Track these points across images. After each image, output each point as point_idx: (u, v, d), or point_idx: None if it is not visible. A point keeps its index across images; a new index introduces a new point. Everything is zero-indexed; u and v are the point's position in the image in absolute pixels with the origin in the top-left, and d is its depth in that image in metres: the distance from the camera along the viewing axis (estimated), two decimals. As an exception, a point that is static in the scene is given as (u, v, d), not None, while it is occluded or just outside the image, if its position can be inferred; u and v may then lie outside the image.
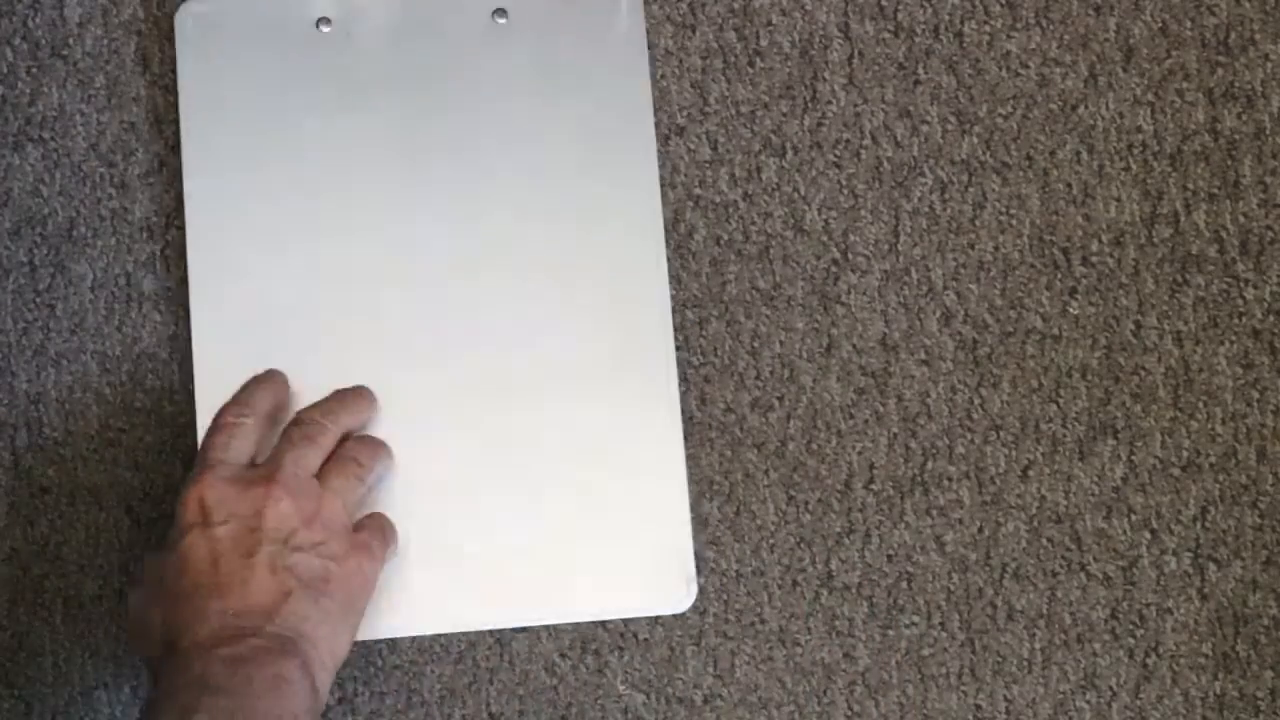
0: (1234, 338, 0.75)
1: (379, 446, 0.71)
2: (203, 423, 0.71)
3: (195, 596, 0.62)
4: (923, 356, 0.75)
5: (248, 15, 0.75)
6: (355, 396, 0.71)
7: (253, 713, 0.59)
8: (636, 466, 0.72)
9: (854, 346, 0.75)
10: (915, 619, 0.74)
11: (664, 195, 0.75)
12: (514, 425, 0.73)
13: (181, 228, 0.75)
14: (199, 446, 0.69)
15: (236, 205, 0.74)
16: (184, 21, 0.75)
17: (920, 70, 0.76)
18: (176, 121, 0.76)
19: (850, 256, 0.75)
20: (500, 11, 0.75)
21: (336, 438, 0.69)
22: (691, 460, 0.74)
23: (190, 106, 0.74)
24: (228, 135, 0.74)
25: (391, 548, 0.69)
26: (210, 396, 0.71)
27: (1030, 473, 0.74)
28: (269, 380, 0.71)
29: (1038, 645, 0.74)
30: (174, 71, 0.76)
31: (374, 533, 0.68)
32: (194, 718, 0.58)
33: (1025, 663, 0.73)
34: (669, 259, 0.75)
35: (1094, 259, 0.75)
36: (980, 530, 0.74)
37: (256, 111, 0.74)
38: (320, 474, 0.68)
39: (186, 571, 0.63)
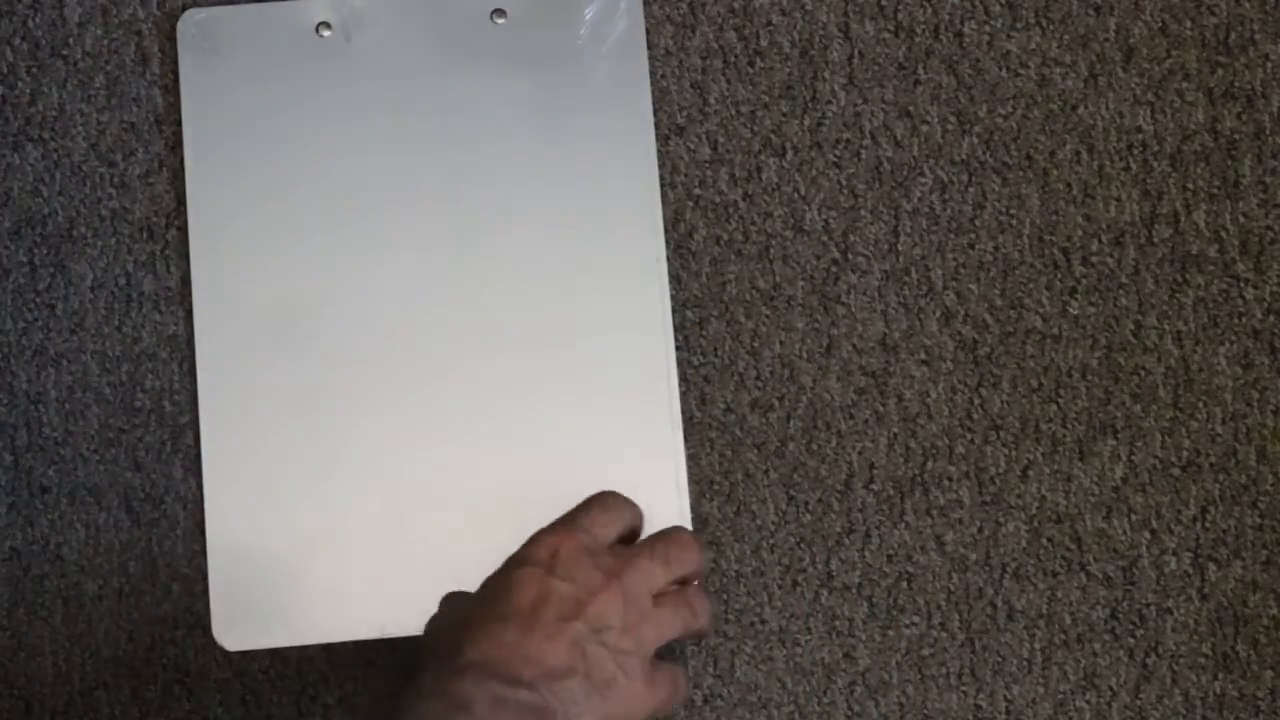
0: (1234, 338, 0.75)
1: (709, 611, 0.69)
2: (206, 423, 0.71)
3: (501, 621, 0.62)
4: (923, 356, 0.75)
5: (249, 22, 0.75)
6: (697, 549, 0.70)
7: None
8: (636, 468, 0.72)
9: (854, 346, 0.75)
10: (915, 619, 0.74)
11: (664, 195, 0.75)
12: (514, 426, 0.73)
13: (182, 229, 0.75)
14: (564, 517, 0.68)
15: (238, 208, 0.74)
16: (186, 28, 0.75)
17: (920, 70, 0.76)
18: (177, 122, 0.76)
19: (850, 256, 0.75)
20: (499, 12, 0.75)
21: (684, 573, 0.68)
22: (691, 460, 0.74)
23: (192, 111, 0.75)
24: (229, 140, 0.74)
25: (675, 703, 0.68)
26: (211, 397, 0.71)
27: (1030, 473, 0.74)
28: (636, 508, 0.71)
29: (1038, 645, 0.74)
30: (174, 73, 0.76)
31: (672, 676, 0.67)
32: None
33: (1025, 663, 0.73)
34: (669, 259, 0.75)
35: (1094, 259, 0.75)
36: (980, 530, 0.74)
37: (258, 116, 0.75)
38: (655, 598, 0.67)
39: (508, 598, 0.63)
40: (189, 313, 0.74)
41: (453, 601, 0.67)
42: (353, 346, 0.73)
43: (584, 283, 0.73)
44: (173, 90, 0.76)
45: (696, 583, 0.68)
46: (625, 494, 0.70)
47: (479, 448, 0.72)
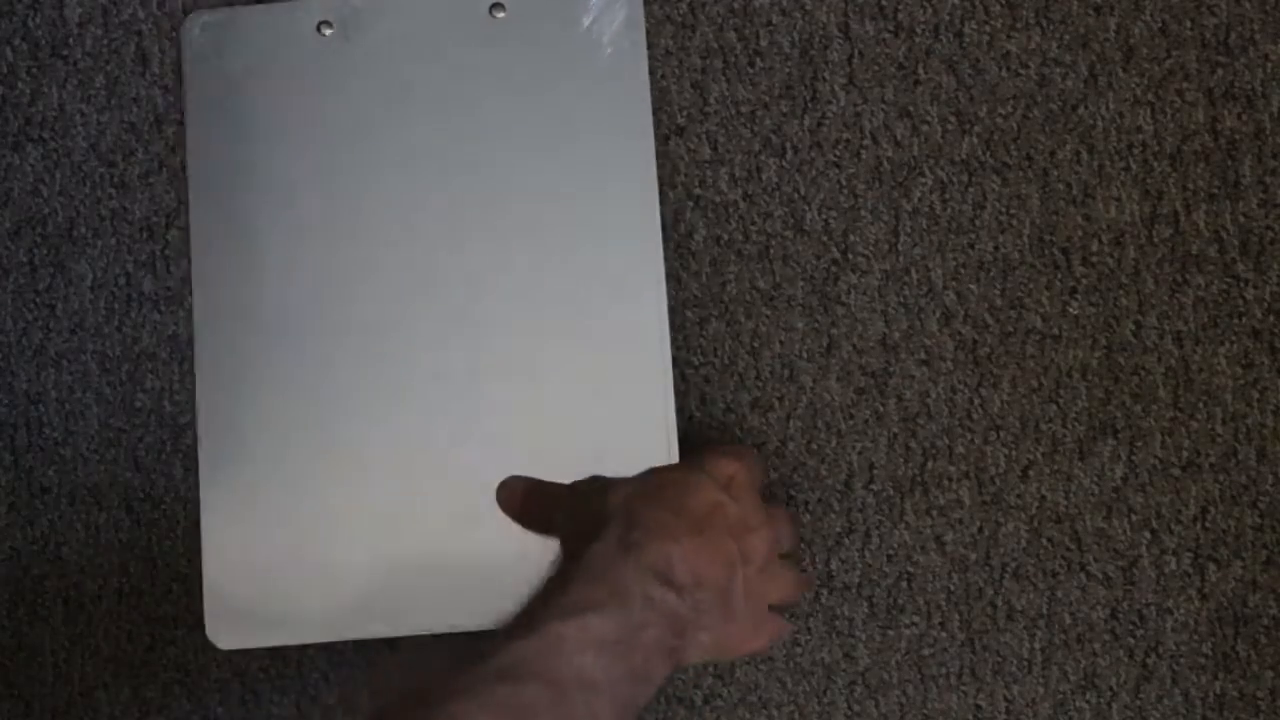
0: (1234, 338, 0.75)
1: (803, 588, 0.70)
2: (203, 422, 0.71)
3: (676, 516, 0.63)
4: (923, 356, 0.75)
5: (251, 23, 0.75)
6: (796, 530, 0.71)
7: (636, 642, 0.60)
8: (634, 469, 0.72)
9: (854, 346, 0.75)
10: (915, 619, 0.74)
11: (664, 195, 0.75)
12: (512, 426, 0.73)
13: (183, 228, 0.75)
14: (730, 448, 0.69)
15: (239, 208, 0.74)
16: (190, 31, 0.75)
17: (920, 70, 0.76)
18: (177, 122, 0.76)
19: (850, 256, 0.76)
20: (498, 6, 0.75)
21: (789, 549, 0.69)
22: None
23: (195, 113, 0.75)
24: (231, 140, 0.74)
25: (765, 650, 0.68)
26: (210, 395, 0.72)
27: (1030, 473, 0.74)
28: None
29: (1038, 645, 0.74)
30: (175, 73, 0.76)
31: (777, 626, 0.67)
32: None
33: (1025, 663, 0.73)
34: (669, 259, 0.75)
35: (1094, 259, 0.75)
36: (980, 530, 0.74)
37: (259, 117, 0.75)
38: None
39: (683, 500, 0.63)
40: (189, 313, 0.74)
41: (615, 483, 0.66)
42: (351, 345, 0.73)
43: (581, 282, 0.73)
44: (173, 90, 0.76)
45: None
46: None
47: (477, 448, 0.72)
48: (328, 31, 0.75)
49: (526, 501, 0.71)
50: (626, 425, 0.73)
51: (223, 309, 0.73)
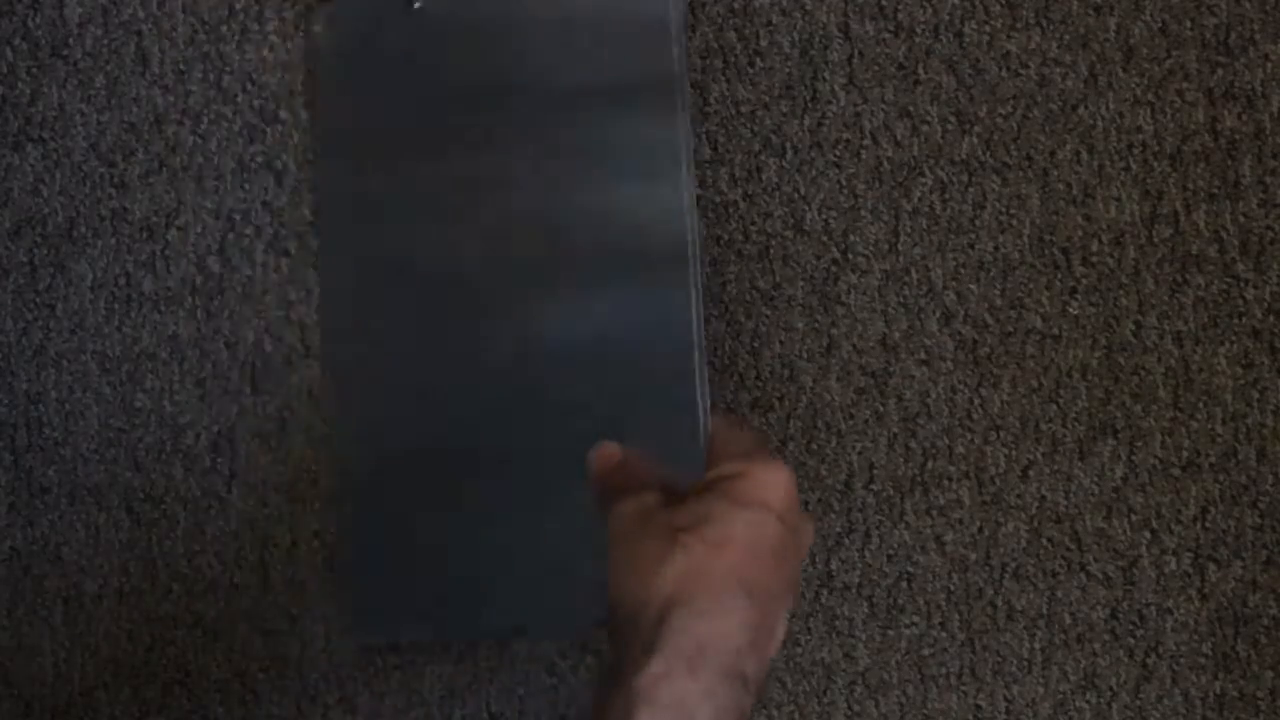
0: (1234, 338, 0.75)
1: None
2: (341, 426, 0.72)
3: (739, 599, 0.57)
4: (923, 356, 0.75)
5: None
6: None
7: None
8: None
9: (854, 346, 0.75)
10: (915, 619, 0.74)
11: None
12: (544, 444, 0.73)
13: (182, 228, 0.75)
14: (758, 451, 0.64)
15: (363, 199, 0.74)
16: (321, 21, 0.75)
17: (920, 70, 0.76)
18: (177, 121, 0.76)
19: (850, 256, 0.76)
20: None
21: None
22: (691, 460, 0.74)
23: (327, 96, 0.75)
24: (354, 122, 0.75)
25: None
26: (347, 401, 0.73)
27: (1030, 473, 0.74)
28: None
29: (1038, 645, 0.74)
30: (178, 70, 0.76)
31: (808, 521, 0.64)
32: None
33: (1025, 663, 0.73)
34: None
35: (1094, 259, 0.75)
36: (980, 530, 0.74)
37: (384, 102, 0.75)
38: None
39: (752, 556, 0.57)
40: (190, 313, 0.74)
41: (669, 555, 0.58)
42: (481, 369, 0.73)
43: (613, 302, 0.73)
44: (172, 90, 0.76)
45: None
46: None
47: (492, 455, 0.73)
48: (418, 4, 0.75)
49: (611, 477, 0.65)
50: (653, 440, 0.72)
51: (353, 316, 0.74)
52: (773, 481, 0.59)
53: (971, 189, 0.76)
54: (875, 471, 0.74)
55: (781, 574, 0.58)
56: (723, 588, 0.56)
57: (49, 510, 0.74)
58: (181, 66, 0.76)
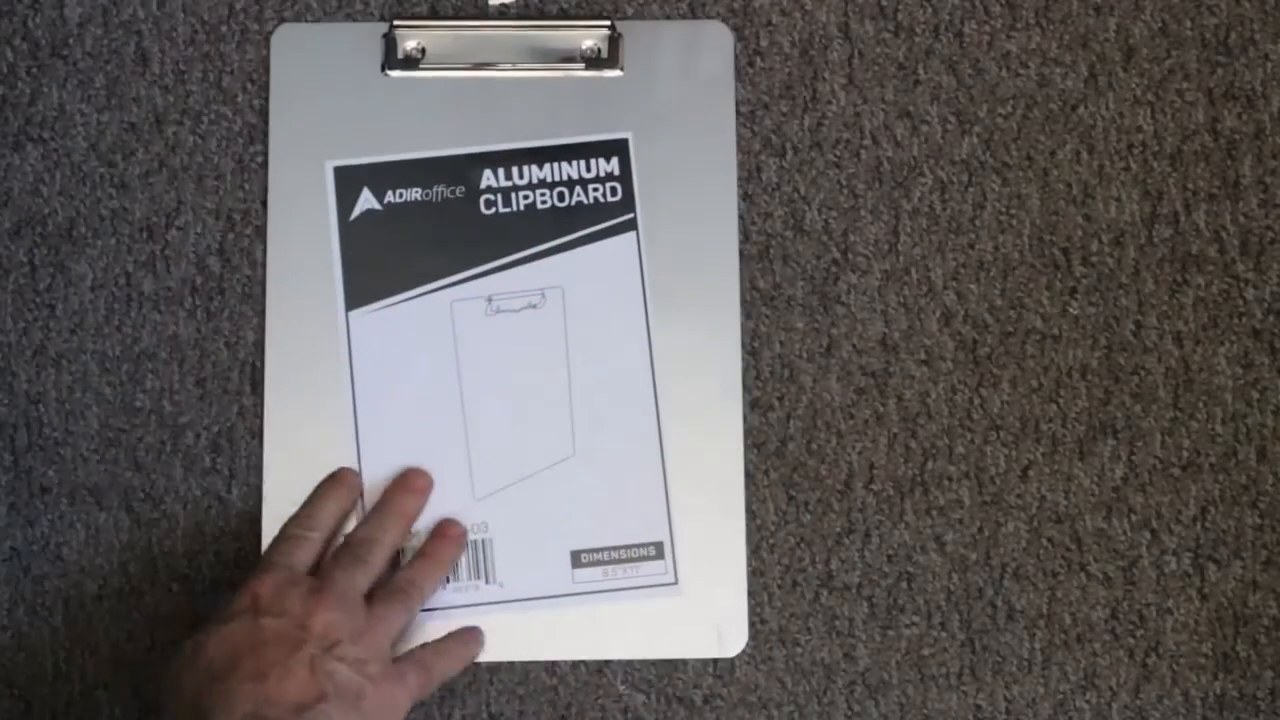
0: (1234, 338, 0.75)
1: (432, 573, 0.71)
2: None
3: (231, 678, 0.62)
4: (923, 356, 0.75)
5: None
6: (404, 496, 0.72)
7: None
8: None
9: (854, 346, 0.75)
10: (915, 619, 0.74)
11: (664, 195, 0.75)
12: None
13: (182, 228, 0.75)
14: (263, 551, 0.71)
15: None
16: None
17: (920, 70, 0.76)
18: (177, 121, 0.76)
19: (850, 256, 0.75)
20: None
21: (388, 554, 0.70)
22: (691, 460, 0.74)
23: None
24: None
25: (427, 689, 0.69)
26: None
27: (1030, 473, 0.74)
28: (335, 489, 0.72)
29: (1038, 645, 0.74)
30: (178, 70, 0.76)
31: (413, 667, 0.68)
32: None
33: (1025, 663, 0.73)
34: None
35: (1094, 259, 0.75)
36: (980, 530, 0.74)
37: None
38: (370, 596, 0.68)
39: (228, 652, 0.63)
40: (189, 313, 0.74)
41: (180, 660, 0.65)
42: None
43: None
44: (171, 89, 0.76)
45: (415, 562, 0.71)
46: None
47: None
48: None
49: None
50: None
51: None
52: (241, 591, 0.66)
53: (971, 189, 0.76)
54: (875, 471, 0.74)
55: (268, 658, 0.63)
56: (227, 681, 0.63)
57: (49, 510, 0.74)
58: (181, 66, 0.76)
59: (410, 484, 0.72)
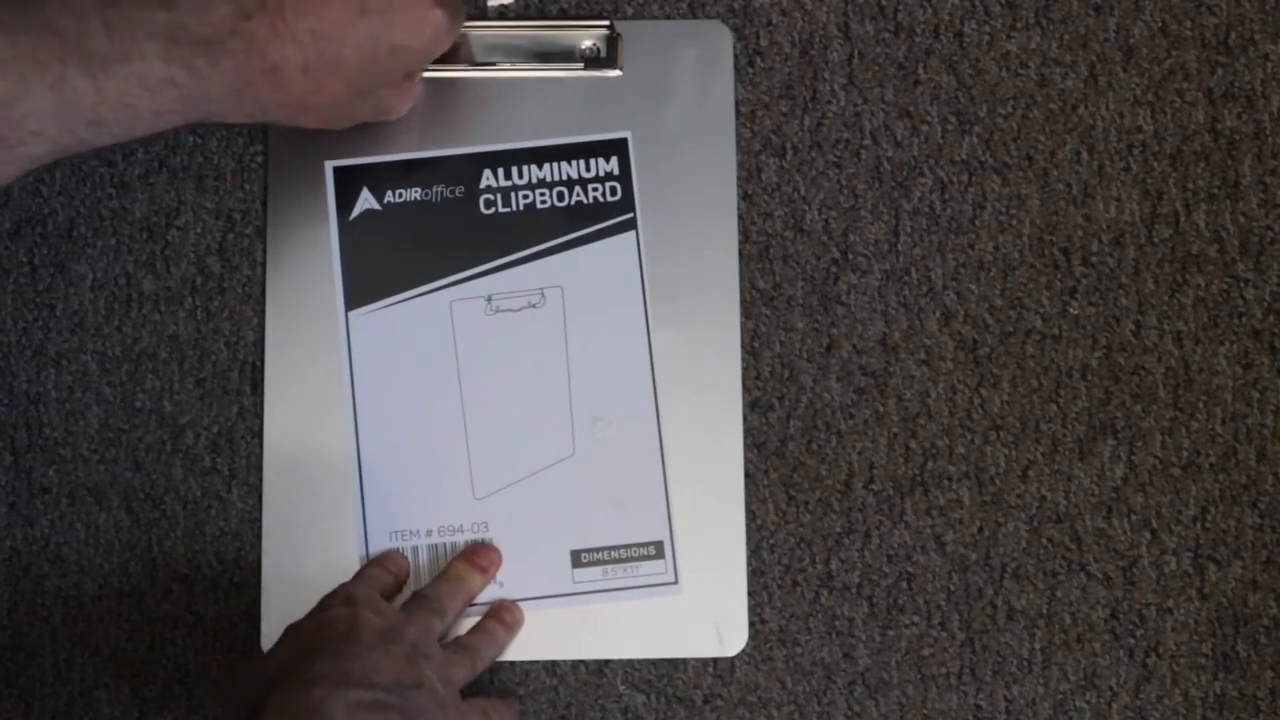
0: (1234, 338, 0.75)
1: (488, 647, 0.71)
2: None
3: (329, 648, 0.63)
4: (923, 356, 0.75)
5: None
6: (470, 571, 0.72)
7: None
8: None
9: (854, 346, 0.75)
10: (915, 619, 0.74)
11: (664, 195, 0.75)
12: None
13: (182, 228, 0.75)
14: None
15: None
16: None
17: (920, 70, 0.76)
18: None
19: (850, 256, 0.75)
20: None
21: (455, 617, 0.71)
22: (691, 460, 0.74)
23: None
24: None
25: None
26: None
27: (1030, 473, 0.74)
28: (391, 566, 0.72)
29: (1038, 645, 0.74)
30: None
31: (483, 708, 0.69)
32: None
33: (1025, 663, 0.73)
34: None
35: (1094, 259, 0.75)
36: (980, 530, 0.74)
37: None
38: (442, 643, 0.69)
39: (328, 631, 0.64)
40: (189, 313, 0.74)
41: (274, 645, 0.66)
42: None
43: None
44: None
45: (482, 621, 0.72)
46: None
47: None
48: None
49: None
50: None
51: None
52: (331, 596, 0.67)
53: (971, 189, 0.76)
54: (875, 471, 0.74)
55: (368, 640, 0.64)
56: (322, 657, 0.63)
57: (49, 510, 0.74)
58: (181, 66, 0.76)
59: (477, 560, 0.72)
